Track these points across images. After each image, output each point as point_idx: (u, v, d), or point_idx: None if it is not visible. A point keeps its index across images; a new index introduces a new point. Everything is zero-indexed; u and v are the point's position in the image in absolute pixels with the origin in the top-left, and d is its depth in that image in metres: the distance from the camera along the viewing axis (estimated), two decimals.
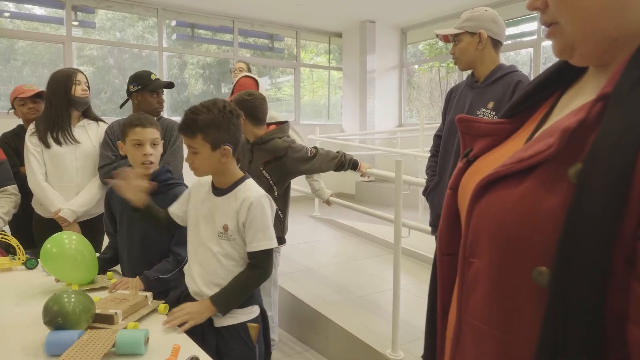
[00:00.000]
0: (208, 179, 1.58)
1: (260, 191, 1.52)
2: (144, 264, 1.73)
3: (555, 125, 0.47)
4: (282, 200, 2.31)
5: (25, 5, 5.78)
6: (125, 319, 1.33)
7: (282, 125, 2.30)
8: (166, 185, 1.80)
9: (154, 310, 1.45)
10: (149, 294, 1.49)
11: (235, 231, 1.48)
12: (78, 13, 5.95)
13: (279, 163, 2.21)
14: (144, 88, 2.32)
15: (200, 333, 1.48)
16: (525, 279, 0.44)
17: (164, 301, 1.51)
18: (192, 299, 1.51)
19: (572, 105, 0.52)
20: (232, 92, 2.65)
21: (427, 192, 2.22)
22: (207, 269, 1.49)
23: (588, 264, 0.39)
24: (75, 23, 5.92)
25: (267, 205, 1.50)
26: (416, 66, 8.10)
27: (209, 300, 1.45)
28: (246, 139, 2.23)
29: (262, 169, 2.20)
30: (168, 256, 1.75)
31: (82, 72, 2.39)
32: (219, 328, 1.49)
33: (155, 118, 2.30)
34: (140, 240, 1.77)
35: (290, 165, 2.22)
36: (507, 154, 0.51)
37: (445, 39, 2.04)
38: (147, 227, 1.74)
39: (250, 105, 2.15)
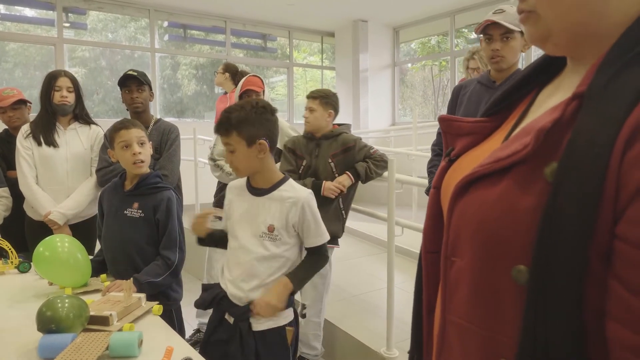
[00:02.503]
0: (238, 183, 1.59)
1: (306, 190, 1.55)
2: (125, 263, 1.76)
3: (531, 125, 0.47)
4: (346, 198, 2.36)
5: (16, 7, 5.74)
6: (120, 320, 1.34)
7: (346, 124, 2.45)
8: (153, 188, 1.81)
9: (148, 312, 1.46)
10: (143, 296, 1.49)
11: (282, 230, 1.49)
12: (69, 14, 5.92)
13: (346, 155, 2.30)
14: (120, 87, 2.37)
15: (239, 338, 1.48)
16: (505, 277, 0.45)
17: (157, 302, 1.51)
18: (228, 301, 1.51)
19: (549, 102, 0.52)
20: (241, 88, 2.69)
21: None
22: (248, 270, 1.48)
23: (565, 261, 0.39)
24: (67, 24, 5.88)
25: (314, 203, 1.54)
26: (409, 65, 8.12)
27: (285, 277, 1.47)
28: (310, 134, 2.35)
29: (330, 160, 2.30)
30: (154, 258, 1.76)
31: (67, 75, 2.33)
32: (259, 332, 1.49)
33: (151, 123, 2.32)
34: (120, 240, 1.79)
35: (357, 158, 2.31)
36: (487, 152, 0.51)
37: (478, 30, 1.87)
38: (125, 227, 1.77)
39: (337, 99, 2.37)
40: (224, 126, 1.46)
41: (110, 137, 1.82)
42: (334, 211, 2.32)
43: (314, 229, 1.52)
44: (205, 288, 1.60)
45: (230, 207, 1.58)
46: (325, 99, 2.31)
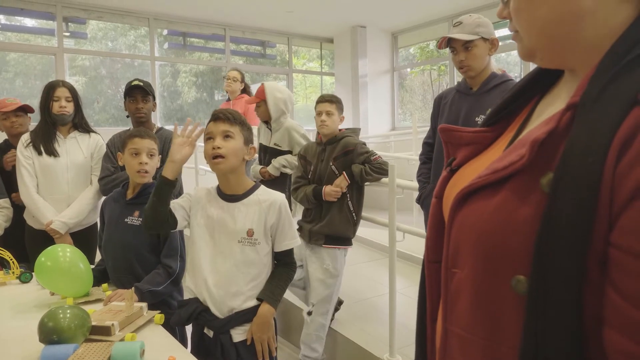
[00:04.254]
0: (204, 191, 1.59)
1: (281, 193, 1.59)
2: (126, 271, 1.77)
3: (527, 136, 0.48)
4: (356, 202, 2.40)
5: (16, 17, 5.78)
6: (121, 330, 1.34)
7: (354, 129, 2.53)
8: None
9: (150, 321, 1.45)
10: (144, 305, 1.49)
11: (261, 234, 1.50)
12: (69, 24, 5.95)
13: (346, 158, 2.34)
14: (125, 95, 2.39)
15: (220, 350, 1.48)
16: (505, 288, 0.45)
17: (159, 311, 1.51)
18: (206, 315, 1.50)
19: (547, 111, 0.53)
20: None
21: (421, 200, 2.23)
22: (226, 277, 1.48)
23: (563, 270, 0.39)
24: (67, 34, 5.91)
25: (288, 206, 1.58)
26: (408, 69, 8.14)
27: (264, 303, 1.49)
28: (320, 140, 2.44)
29: (331, 164, 2.35)
30: (154, 266, 1.76)
31: (66, 86, 2.34)
32: (240, 342, 1.49)
33: (153, 131, 2.35)
34: (121, 247, 1.80)
35: (355, 160, 2.33)
36: (488, 162, 0.52)
37: (441, 45, 1.98)
38: (126, 234, 1.78)
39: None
40: (232, 115, 1.50)
41: (124, 142, 1.85)
42: (343, 214, 2.36)
43: (288, 231, 1.56)
44: (181, 304, 1.58)
45: (198, 215, 1.55)
46: (339, 104, 2.41)
